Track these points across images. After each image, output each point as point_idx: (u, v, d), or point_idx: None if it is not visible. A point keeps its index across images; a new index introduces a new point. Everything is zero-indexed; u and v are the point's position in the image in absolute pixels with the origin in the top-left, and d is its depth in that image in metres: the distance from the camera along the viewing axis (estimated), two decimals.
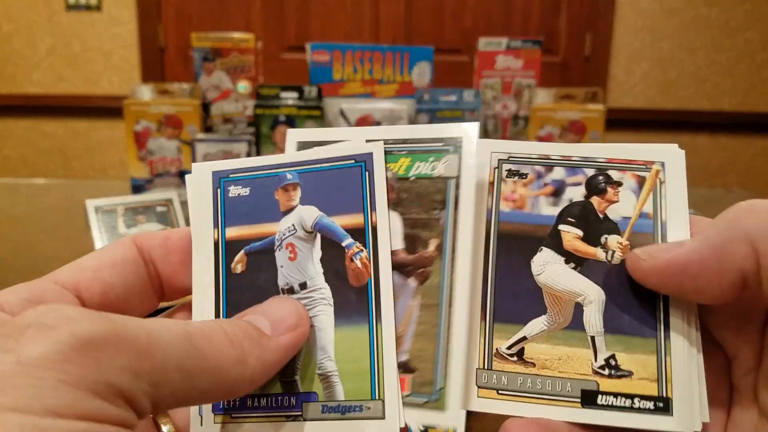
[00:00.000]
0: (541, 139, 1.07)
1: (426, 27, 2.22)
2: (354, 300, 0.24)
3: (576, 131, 1.08)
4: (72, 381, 0.16)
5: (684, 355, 0.23)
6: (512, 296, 0.24)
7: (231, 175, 0.26)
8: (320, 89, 1.06)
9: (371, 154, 0.25)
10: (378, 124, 1.04)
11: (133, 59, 2.28)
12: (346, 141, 0.26)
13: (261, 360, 0.21)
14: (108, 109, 2.24)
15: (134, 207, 0.79)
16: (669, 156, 0.25)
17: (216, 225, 0.25)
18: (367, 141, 0.26)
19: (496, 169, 0.26)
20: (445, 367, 0.24)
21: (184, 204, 0.78)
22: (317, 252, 0.25)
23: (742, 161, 2.30)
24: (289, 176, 0.25)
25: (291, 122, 1.04)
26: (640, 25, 2.21)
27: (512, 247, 0.25)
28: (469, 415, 0.47)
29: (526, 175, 0.26)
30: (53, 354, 0.17)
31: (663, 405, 0.23)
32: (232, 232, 0.25)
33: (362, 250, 0.24)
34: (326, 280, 0.25)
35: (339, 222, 0.25)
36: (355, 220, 0.25)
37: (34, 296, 0.21)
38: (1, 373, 0.16)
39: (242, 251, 0.25)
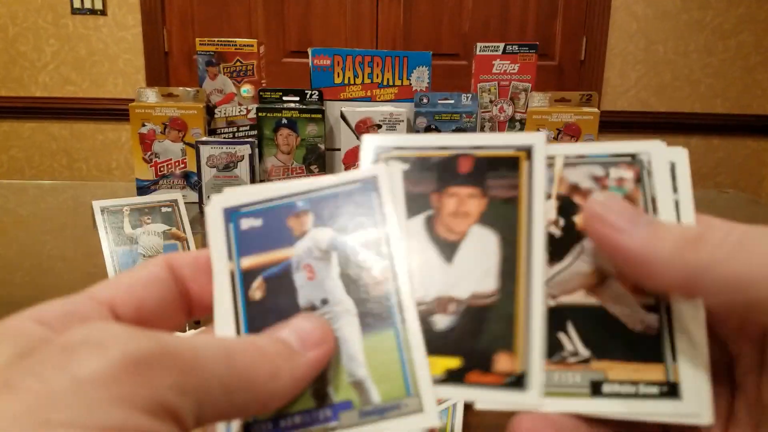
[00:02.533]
0: None
1: (424, 32, 2.23)
2: (377, 308, 0.24)
3: (571, 134, 1.09)
4: (124, 399, 0.17)
5: (690, 351, 0.22)
6: None
7: (242, 209, 0.26)
8: (321, 93, 1.07)
9: (376, 176, 0.26)
10: (378, 126, 1.05)
11: (138, 63, 2.29)
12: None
13: (292, 375, 0.22)
14: (114, 111, 2.25)
15: (140, 208, 0.80)
16: None
17: (230, 257, 0.26)
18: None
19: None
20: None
21: (188, 205, 0.80)
22: (335, 269, 0.25)
23: (735, 163, 2.30)
24: (299, 204, 0.26)
25: (293, 125, 1.05)
26: (635, 29, 2.21)
27: None
28: (467, 411, 0.48)
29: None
30: (106, 372, 0.17)
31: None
32: (247, 262, 0.26)
33: (379, 261, 0.25)
34: (348, 293, 0.25)
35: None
36: (368, 236, 0.25)
37: (72, 311, 0.21)
38: (56, 390, 0.16)
39: (260, 277, 0.25)
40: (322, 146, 1.06)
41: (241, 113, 1.15)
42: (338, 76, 1.11)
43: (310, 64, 1.11)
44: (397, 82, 1.12)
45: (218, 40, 1.13)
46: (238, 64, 1.13)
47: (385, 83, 1.12)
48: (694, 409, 0.22)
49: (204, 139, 1.03)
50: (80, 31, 2.27)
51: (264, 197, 0.26)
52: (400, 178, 0.26)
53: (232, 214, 0.26)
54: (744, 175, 2.31)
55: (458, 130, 1.05)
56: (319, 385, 0.24)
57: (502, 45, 1.15)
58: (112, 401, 0.16)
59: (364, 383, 0.24)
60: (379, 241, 0.25)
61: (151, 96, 1.10)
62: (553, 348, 0.23)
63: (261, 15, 2.24)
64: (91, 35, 2.27)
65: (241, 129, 1.15)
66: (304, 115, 1.05)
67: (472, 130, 1.05)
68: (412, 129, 1.07)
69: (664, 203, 0.24)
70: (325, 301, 0.25)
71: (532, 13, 2.20)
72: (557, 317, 0.24)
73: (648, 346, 0.23)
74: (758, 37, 2.19)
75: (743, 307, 0.20)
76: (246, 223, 0.26)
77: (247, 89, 1.14)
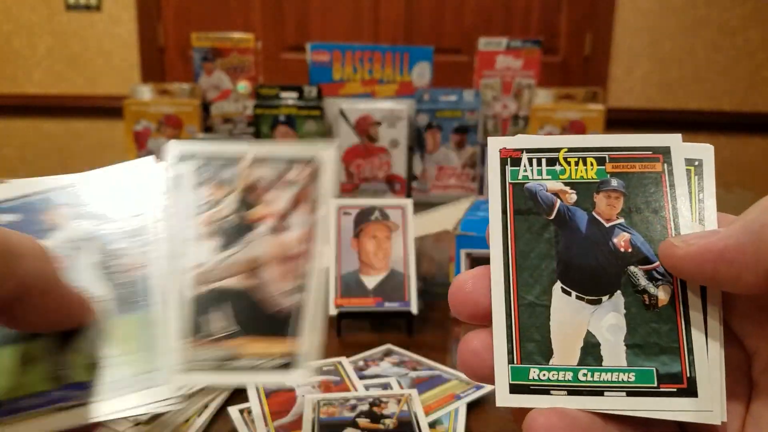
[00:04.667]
0: None
1: (426, 27, 2.22)
2: (125, 294, 0.27)
3: (576, 131, 1.08)
4: None
5: (706, 349, 0.22)
6: None
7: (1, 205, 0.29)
8: (320, 89, 1.06)
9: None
10: (378, 124, 1.04)
11: (133, 59, 2.28)
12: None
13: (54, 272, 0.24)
14: (108, 109, 2.24)
15: None
16: None
17: None
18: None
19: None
20: None
21: None
22: (88, 259, 0.28)
23: (742, 161, 2.30)
24: (54, 198, 0.30)
25: (291, 122, 1.04)
26: (640, 25, 2.21)
27: None
28: (469, 413, 0.46)
29: None
30: None
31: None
32: None
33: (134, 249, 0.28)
34: (102, 281, 0.27)
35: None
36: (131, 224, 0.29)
37: None
38: None
39: None
40: None
41: (238, 110, 1.13)
42: (337, 71, 1.10)
43: (309, 59, 1.10)
44: (398, 78, 1.11)
45: (214, 35, 1.12)
46: (235, 59, 1.12)
47: (385, 79, 1.11)
48: (708, 407, 0.22)
49: (200, 136, 1.02)
50: (74, 27, 2.26)
51: (22, 192, 0.29)
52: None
53: None
54: (751, 174, 2.30)
55: (461, 127, 1.04)
56: (57, 367, 0.26)
57: (505, 40, 1.15)
58: None
59: (104, 363, 0.26)
60: (140, 228, 0.28)
61: (146, 92, 1.09)
62: (201, 327, 0.27)
63: (258, 9, 2.23)
64: (86, 31, 2.27)
65: (237, 126, 1.14)
66: (303, 112, 1.03)
67: (475, 127, 1.04)
68: (413, 126, 1.06)
69: (324, 201, 0.28)
70: None
71: (535, 8, 2.19)
72: (213, 299, 0.27)
73: (278, 325, 0.27)
74: (765, 34, 2.18)
75: None
76: (4, 219, 0.29)
77: (243, 85, 1.13)
